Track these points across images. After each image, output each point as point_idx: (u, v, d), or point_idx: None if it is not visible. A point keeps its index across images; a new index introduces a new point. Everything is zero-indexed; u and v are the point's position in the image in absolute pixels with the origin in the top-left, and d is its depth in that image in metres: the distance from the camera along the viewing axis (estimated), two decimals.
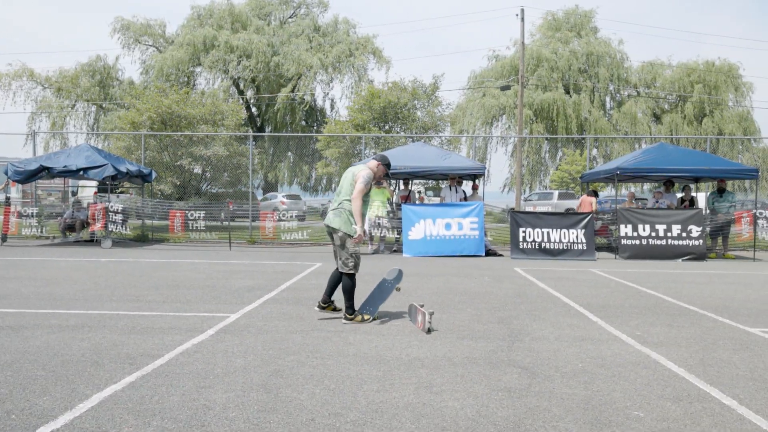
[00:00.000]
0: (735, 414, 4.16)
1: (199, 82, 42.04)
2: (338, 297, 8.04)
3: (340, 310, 7.10)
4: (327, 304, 7.01)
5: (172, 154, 23.39)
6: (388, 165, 7.10)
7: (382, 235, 16.41)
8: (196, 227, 17.74)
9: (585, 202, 17.32)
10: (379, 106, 29.10)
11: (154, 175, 18.96)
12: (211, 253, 14.95)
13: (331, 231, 6.71)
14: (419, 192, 29.46)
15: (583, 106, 40.29)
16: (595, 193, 17.99)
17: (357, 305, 7.31)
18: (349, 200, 6.65)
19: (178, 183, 23.25)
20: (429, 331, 6.10)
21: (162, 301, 7.75)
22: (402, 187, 18.33)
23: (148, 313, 6.93)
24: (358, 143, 27.81)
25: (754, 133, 39.50)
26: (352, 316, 6.69)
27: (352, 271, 6.66)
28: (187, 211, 17.95)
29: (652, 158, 16.25)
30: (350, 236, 6.61)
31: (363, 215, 6.66)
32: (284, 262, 12.96)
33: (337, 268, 6.92)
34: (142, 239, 18.30)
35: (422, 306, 6.51)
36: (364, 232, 6.74)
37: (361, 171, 6.72)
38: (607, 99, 43.13)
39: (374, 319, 6.80)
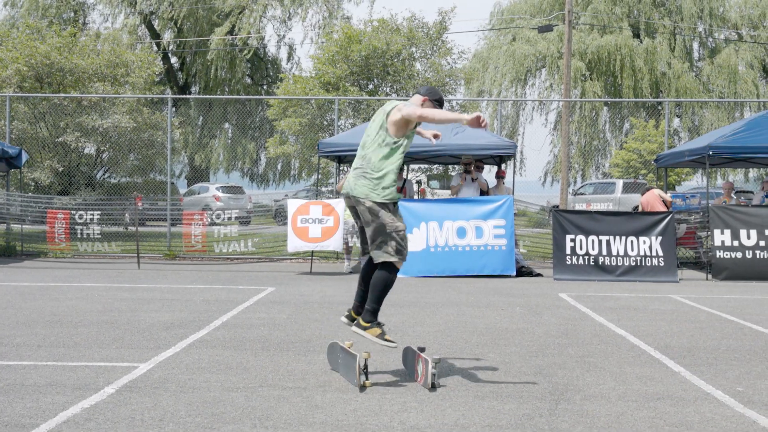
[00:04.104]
0: None
1: (92, 19, 35.28)
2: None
3: (383, 325, 5.51)
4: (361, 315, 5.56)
5: (51, 127, 19.21)
6: (440, 101, 5.59)
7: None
8: (88, 234, 14.96)
9: (653, 199, 14.31)
10: (360, 55, 23.52)
11: (24, 157, 15.73)
12: (111, 272, 12.80)
13: (354, 203, 5.39)
14: (418, 182, 25.63)
15: (660, 56, 31.93)
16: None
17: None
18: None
19: (61, 169, 19.12)
20: (434, 387, 5.34)
21: (36, 345, 6.74)
22: None
23: (14, 363, 5.98)
24: (329, 110, 23.08)
25: None
26: (370, 324, 5.34)
27: (394, 258, 5.21)
28: (74, 211, 15.02)
29: (759, 132, 13.45)
30: (383, 205, 5.22)
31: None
32: (219, 286, 11.25)
33: (369, 260, 5.44)
34: (6, 252, 15.61)
35: (422, 350, 5.57)
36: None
37: (400, 104, 5.46)
38: (695, 45, 34.04)
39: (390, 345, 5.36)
